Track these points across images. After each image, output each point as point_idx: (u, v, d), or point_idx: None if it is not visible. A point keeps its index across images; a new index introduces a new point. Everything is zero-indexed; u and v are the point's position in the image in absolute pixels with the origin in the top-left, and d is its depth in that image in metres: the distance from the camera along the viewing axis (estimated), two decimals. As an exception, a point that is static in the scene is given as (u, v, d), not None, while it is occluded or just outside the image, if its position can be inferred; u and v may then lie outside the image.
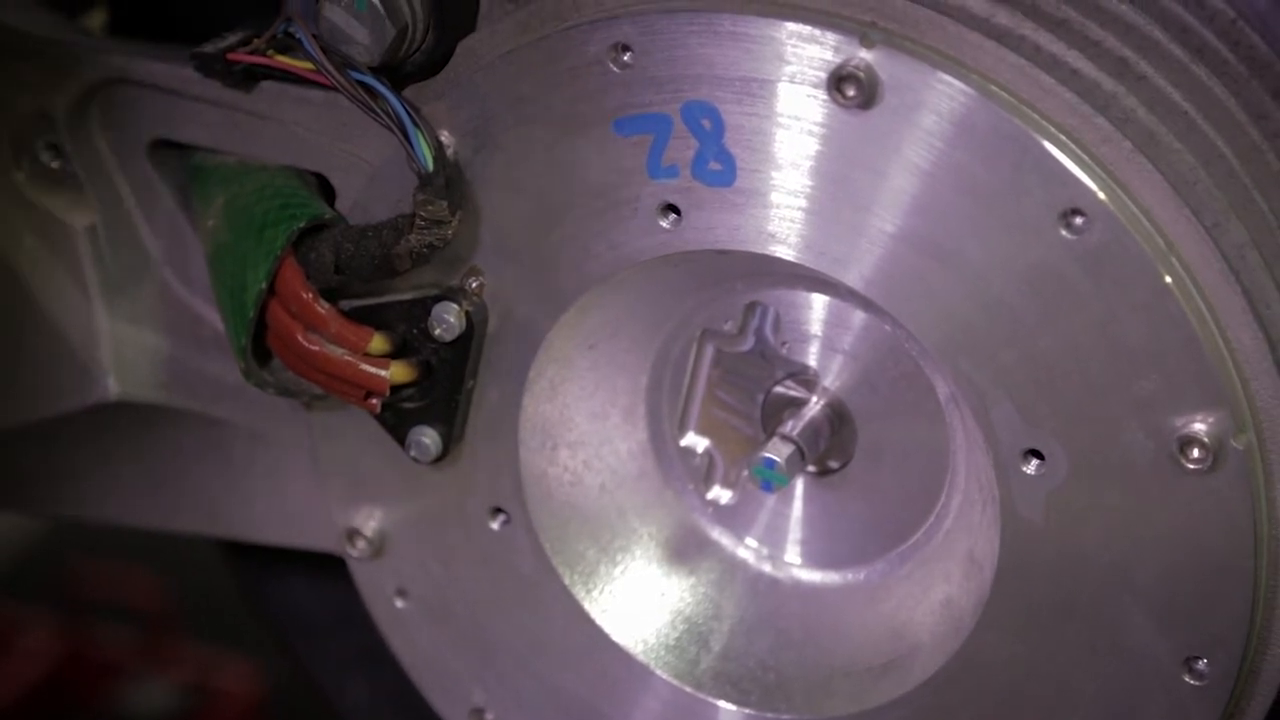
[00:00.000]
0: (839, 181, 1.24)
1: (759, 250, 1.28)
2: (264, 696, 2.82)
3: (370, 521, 1.47)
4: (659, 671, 1.43)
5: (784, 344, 1.39)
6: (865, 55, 1.22)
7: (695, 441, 1.44)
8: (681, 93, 1.26)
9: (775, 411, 1.40)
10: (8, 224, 1.49)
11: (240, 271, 1.38)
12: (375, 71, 1.31)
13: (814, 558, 1.44)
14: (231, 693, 2.82)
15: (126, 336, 1.52)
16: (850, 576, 1.43)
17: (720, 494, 1.45)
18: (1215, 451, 1.20)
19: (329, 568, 1.56)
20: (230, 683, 2.83)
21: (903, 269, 1.25)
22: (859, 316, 1.36)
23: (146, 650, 2.88)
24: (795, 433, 1.37)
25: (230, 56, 1.36)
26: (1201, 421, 1.20)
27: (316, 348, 1.37)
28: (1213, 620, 1.23)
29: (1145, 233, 1.20)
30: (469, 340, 1.37)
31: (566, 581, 1.43)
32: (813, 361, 1.39)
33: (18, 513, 2.59)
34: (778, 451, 1.36)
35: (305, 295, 1.36)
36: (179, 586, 2.91)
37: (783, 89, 1.24)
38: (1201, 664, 1.25)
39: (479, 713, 1.49)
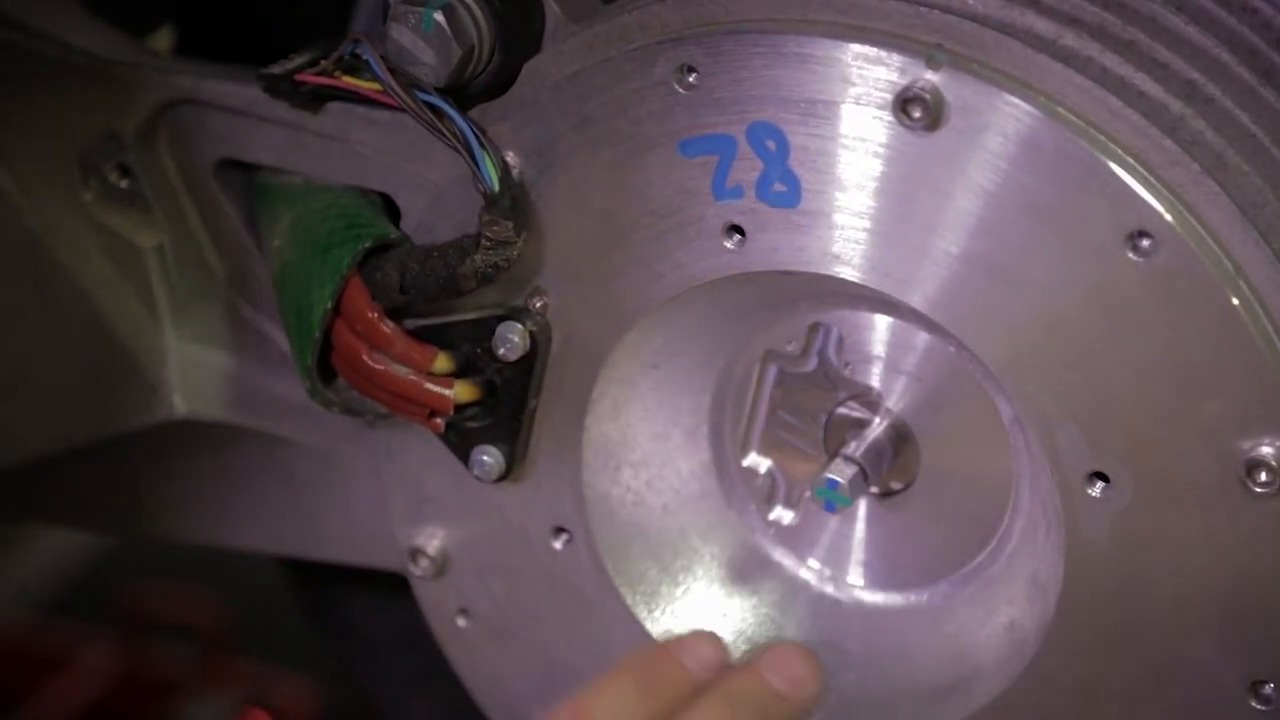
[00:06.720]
0: (904, 203, 1.24)
1: (823, 271, 1.28)
2: (322, 715, 2.83)
3: (433, 540, 1.47)
4: (720, 692, 1.43)
5: (847, 365, 1.39)
6: (931, 77, 1.22)
7: (758, 462, 1.44)
8: (746, 114, 1.26)
9: (838, 432, 1.40)
10: (76, 244, 1.50)
11: (305, 291, 1.39)
12: (441, 92, 1.31)
13: (876, 579, 1.43)
14: (289, 711, 2.82)
15: (193, 355, 1.52)
16: (913, 598, 1.42)
17: (783, 515, 1.45)
18: (1283, 475, 1.19)
19: (392, 586, 1.57)
20: (288, 701, 2.84)
21: (967, 291, 1.25)
22: (923, 338, 1.36)
23: (204, 669, 2.88)
24: (858, 454, 1.37)
25: (298, 77, 1.37)
26: (1269, 445, 1.19)
27: (381, 367, 1.37)
28: (1280, 644, 1.23)
29: (1213, 255, 1.19)
30: (533, 360, 1.37)
31: (629, 602, 1.43)
32: (876, 383, 1.38)
33: (81, 530, 2.61)
34: (840, 472, 1.35)
35: (370, 315, 1.37)
36: (237, 605, 2.92)
37: (848, 110, 1.24)
38: (1268, 689, 1.24)
39: (540, 732, 1.49)
